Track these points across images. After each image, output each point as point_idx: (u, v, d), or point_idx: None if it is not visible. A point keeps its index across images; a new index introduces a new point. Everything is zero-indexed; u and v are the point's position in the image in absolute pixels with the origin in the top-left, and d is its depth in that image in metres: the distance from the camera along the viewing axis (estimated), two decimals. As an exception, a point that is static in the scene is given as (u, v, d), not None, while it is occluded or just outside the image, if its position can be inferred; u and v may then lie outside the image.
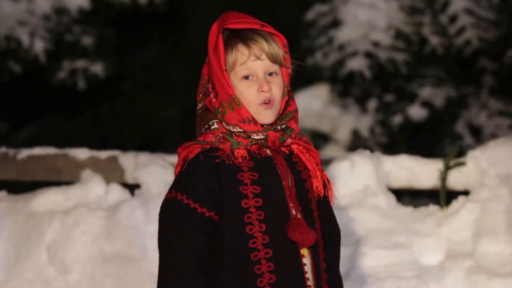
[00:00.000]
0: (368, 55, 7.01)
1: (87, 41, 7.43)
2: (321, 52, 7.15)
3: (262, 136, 2.87)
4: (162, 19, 8.76)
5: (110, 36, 7.60)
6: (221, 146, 2.85)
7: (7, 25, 7.10)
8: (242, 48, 2.86)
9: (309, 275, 2.87)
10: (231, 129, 2.87)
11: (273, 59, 2.87)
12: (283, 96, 2.91)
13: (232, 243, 2.82)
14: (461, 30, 7.08)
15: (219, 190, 2.82)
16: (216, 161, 2.84)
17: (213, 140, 2.86)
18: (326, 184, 2.97)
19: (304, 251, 2.87)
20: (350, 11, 7.27)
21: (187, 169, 2.85)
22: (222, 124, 2.88)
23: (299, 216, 2.87)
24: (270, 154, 2.90)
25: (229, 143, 2.85)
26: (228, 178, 2.83)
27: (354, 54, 7.02)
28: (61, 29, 7.34)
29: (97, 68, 7.53)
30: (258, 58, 2.86)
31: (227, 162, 2.84)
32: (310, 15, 7.43)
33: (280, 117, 2.92)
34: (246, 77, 2.87)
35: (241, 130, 2.86)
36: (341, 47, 7.09)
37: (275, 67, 2.89)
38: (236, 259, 2.82)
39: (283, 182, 2.87)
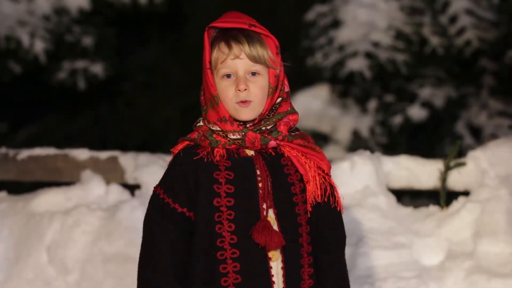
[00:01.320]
0: (368, 55, 7.00)
1: (87, 41, 7.43)
2: (321, 52, 7.14)
3: (238, 136, 2.88)
4: (162, 19, 8.75)
5: (110, 36, 7.60)
6: (202, 144, 2.89)
7: (7, 25, 7.10)
8: (223, 47, 2.88)
9: (276, 278, 2.87)
10: (212, 128, 2.90)
11: (254, 59, 2.87)
12: (267, 96, 2.90)
13: (201, 240, 2.86)
14: (461, 31, 7.08)
15: (194, 187, 2.86)
16: (195, 158, 2.87)
17: (195, 137, 2.91)
18: (326, 189, 2.96)
19: (274, 254, 2.87)
20: (350, 11, 7.26)
21: (169, 164, 2.93)
22: (205, 122, 2.92)
23: (272, 218, 2.87)
24: (252, 154, 2.90)
25: (208, 141, 2.88)
26: (204, 176, 2.86)
27: (354, 54, 7.01)
28: (61, 29, 7.34)
29: (97, 68, 7.53)
30: (237, 57, 2.86)
31: (205, 160, 2.87)
32: (310, 15, 7.43)
33: (265, 118, 2.91)
34: (228, 76, 2.88)
35: (219, 129, 2.89)
36: (341, 48, 7.09)
37: (257, 67, 2.88)
38: (204, 257, 2.86)
39: (260, 184, 2.87)
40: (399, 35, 7.12)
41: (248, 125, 2.89)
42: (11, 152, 5.10)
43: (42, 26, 7.21)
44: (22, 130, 8.93)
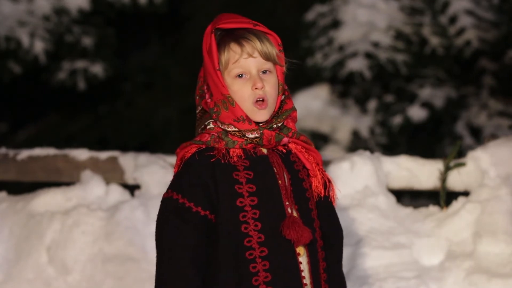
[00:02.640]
0: (368, 55, 7.00)
1: (87, 41, 7.43)
2: (321, 52, 7.14)
3: (256, 135, 2.88)
4: (162, 19, 8.76)
5: (110, 36, 7.60)
6: (217, 146, 2.88)
7: (7, 25, 7.10)
8: (234, 47, 2.88)
9: (305, 273, 2.88)
10: (226, 128, 2.89)
11: (266, 57, 2.89)
12: (278, 94, 2.92)
13: (227, 241, 2.84)
14: (461, 31, 7.08)
15: (214, 189, 2.84)
16: (211, 160, 2.86)
17: (208, 139, 2.89)
18: (327, 184, 2.98)
19: (300, 250, 2.88)
20: (350, 11, 7.26)
21: (183, 168, 2.88)
22: (217, 123, 2.91)
23: (295, 214, 2.87)
24: (266, 153, 2.91)
25: (224, 142, 2.88)
26: (223, 177, 2.85)
27: (354, 54, 7.01)
28: (61, 30, 7.33)
29: (97, 69, 7.52)
30: (250, 55, 2.88)
31: (222, 161, 2.86)
32: (310, 15, 7.43)
33: (275, 115, 2.92)
34: (240, 76, 2.89)
35: (236, 129, 2.88)
36: (341, 48, 7.09)
37: (268, 65, 2.90)
38: (232, 258, 2.83)
39: (279, 181, 2.88)
40: (399, 35, 7.12)
41: (261, 124, 2.90)
42: (11, 152, 5.10)
43: (42, 26, 7.21)
44: (22, 130, 8.93)
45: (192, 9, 9.12)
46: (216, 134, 2.89)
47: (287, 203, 2.88)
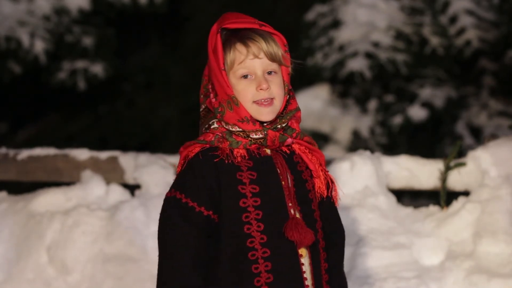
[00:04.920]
0: (368, 55, 7.00)
1: (87, 41, 7.43)
2: (321, 52, 7.14)
3: (261, 135, 2.88)
4: (162, 19, 8.76)
5: (110, 36, 7.60)
6: (221, 146, 2.87)
7: (7, 25, 7.10)
8: (240, 47, 2.88)
9: (307, 275, 2.88)
10: (230, 129, 2.88)
11: (272, 58, 2.88)
12: (284, 94, 2.91)
13: (230, 242, 2.83)
14: (461, 31, 7.08)
15: (217, 189, 2.84)
16: (215, 160, 2.85)
17: (212, 139, 2.88)
18: (329, 184, 2.98)
19: (303, 251, 2.88)
20: (350, 11, 7.26)
21: (187, 168, 2.87)
22: (221, 123, 2.90)
23: (298, 215, 2.87)
24: (270, 153, 2.90)
25: (228, 142, 2.87)
26: (226, 177, 2.84)
27: (354, 54, 7.01)
28: (61, 30, 7.34)
29: (97, 69, 7.53)
30: (256, 56, 2.87)
31: (226, 161, 2.85)
32: (310, 15, 7.43)
33: (280, 116, 2.92)
34: (245, 76, 2.88)
35: (240, 129, 2.88)
36: (341, 48, 7.09)
37: (274, 66, 2.90)
38: (234, 258, 2.83)
39: (282, 182, 2.88)
40: (399, 35, 7.12)
41: (265, 124, 2.90)
42: (11, 152, 5.10)
43: (42, 26, 7.21)
44: (22, 130, 8.93)
45: (192, 9, 9.13)
46: (220, 134, 2.88)
47: (290, 204, 2.87)
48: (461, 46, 7.07)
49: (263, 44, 2.87)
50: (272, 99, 2.87)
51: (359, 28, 7.17)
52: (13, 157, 5.08)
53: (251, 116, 2.87)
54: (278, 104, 2.89)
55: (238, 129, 2.88)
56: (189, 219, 2.82)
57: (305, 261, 2.88)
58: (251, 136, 2.87)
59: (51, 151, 5.08)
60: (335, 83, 7.90)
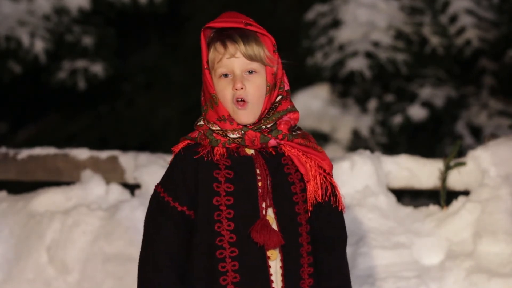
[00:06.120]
0: (368, 55, 7.00)
1: (87, 41, 7.43)
2: (321, 52, 7.14)
3: (238, 135, 2.89)
4: (162, 19, 8.76)
5: (110, 36, 7.60)
6: (202, 143, 2.90)
7: (7, 25, 7.11)
8: (219, 47, 2.89)
9: (274, 277, 2.87)
10: (211, 127, 2.91)
11: (250, 57, 2.87)
12: (264, 95, 2.90)
13: (201, 239, 2.87)
14: (461, 30, 7.08)
15: (194, 185, 2.87)
16: (195, 157, 2.88)
17: (196, 136, 2.92)
18: (328, 189, 2.96)
19: (272, 253, 2.88)
20: (350, 11, 7.26)
21: (171, 163, 2.94)
22: (205, 121, 2.92)
23: (271, 217, 2.87)
24: (252, 154, 2.90)
25: (208, 140, 2.89)
26: (204, 175, 2.87)
27: (354, 54, 7.01)
28: (61, 29, 7.34)
29: (97, 68, 7.53)
30: (233, 56, 2.87)
31: (205, 158, 2.88)
32: (310, 15, 7.43)
33: (265, 117, 2.91)
34: (225, 75, 2.89)
35: (219, 128, 2.89)
36: (341, 47, 7.09)
37: (254, 65, 2.89)
38: (204, 255, 2.86)
39: (259, 183, 2.88)
40: (399, 35, 7.12)
41: (248, 125, 2.89)
42: (11, 152, 5.10)
43: (42, 26, 7.22)
44: (22, 130, 8.93)
45: (192, 9, 9.12)
46: (202, 132, 2.91)
47: (263, 205, 2.87)
48: (461, 46, 7.06)
49: (241, 45, 2.86)
50: (244, 101, 2.86)
51: (359, 28, 7.17)
52: (13, 157, 5.08)
53: (229, 115, 2.88)
54: (255, 104, 2.88)
55: (217, 127, 2.90)
56: (166, 214, 2.88)
57: (274, 263, 2.88)
58: (228, 135, 2.88)
59: (51, 151, 5.08)
60: (335, 83, 7.90)
